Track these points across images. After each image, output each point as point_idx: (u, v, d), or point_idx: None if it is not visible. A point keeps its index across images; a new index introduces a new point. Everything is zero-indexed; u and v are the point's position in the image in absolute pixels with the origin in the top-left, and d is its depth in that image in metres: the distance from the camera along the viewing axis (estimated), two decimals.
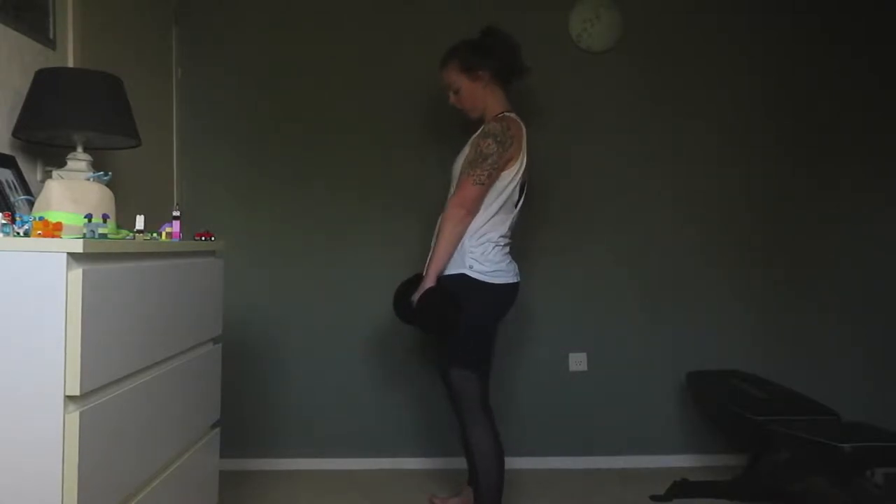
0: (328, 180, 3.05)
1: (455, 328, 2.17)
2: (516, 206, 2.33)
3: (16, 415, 1.20)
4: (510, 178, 2.24)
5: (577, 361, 3.08)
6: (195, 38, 3.03)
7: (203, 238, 1.92)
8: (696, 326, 3.10)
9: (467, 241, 2.22)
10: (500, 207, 2.25)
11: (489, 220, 2.24)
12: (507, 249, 2.32)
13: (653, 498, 2.70)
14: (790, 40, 3.13)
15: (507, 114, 2.31)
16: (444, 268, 2.21)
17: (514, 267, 2.31)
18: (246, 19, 3.04)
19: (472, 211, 2.19)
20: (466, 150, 2.29)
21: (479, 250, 2.22)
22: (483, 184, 2.17)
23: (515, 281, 2.28)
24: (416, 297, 2.21)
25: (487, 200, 2.23)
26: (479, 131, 2.26)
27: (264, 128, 3.04)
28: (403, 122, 3.06)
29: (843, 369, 3.12)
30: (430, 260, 2.22)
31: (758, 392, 2.75)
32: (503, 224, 2.28)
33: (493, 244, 2.24)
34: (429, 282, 2.19)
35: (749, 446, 2.81)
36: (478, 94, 2.34)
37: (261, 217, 3.04)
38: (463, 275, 2.20)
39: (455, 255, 2.22)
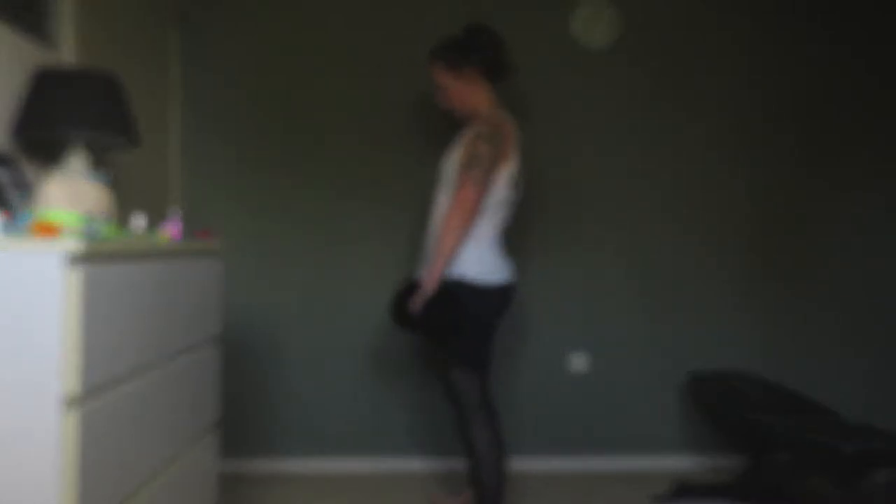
0: (328, 180, 3.05)
1: (461, 331, 2.17)
2: (510, 205, 2.33)
3: (15, 415, 1.19)
4: (502, 178, 2.23)
5: (578, 361, 3.08)
6: (195, 38, 3.03)
7: (203, 238, 1.92)
8: (696, 326, 3.10)
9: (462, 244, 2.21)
10: (494, 207, 2.25)
11: (484, 220, 2.24)
12: (500, 248, 2.32)
13: (653, 498, 2.70)
14: (790, 40, 3.14)
15: (497, 111, 2.30)
16: (441, 273, 2.16)
17: (508, 265, 2.30)
18: (246, 19, 3.04)
19: (473, 213, 2.17)
20: (457, 151, 2.27)
21: (476, 252, 2.22)
22: (481, 184, 2.15)
23: (512, 281, 2.28)
24: (415, 303, 2.18)
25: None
26: (470, 132, 2.24)
27: (265, 127, 3.04)
28: (405, 122, 3.06)
29: (843, 369, 3.12)
30: (430, 264, 2.18)
31: (758, 392, 2.74)
32: (497, 224, 2.28)
33: (488, 243, 2.24)
34: (429, 287, 2.16)
35: (749, 447, 2.81)
36: (464, 93, 2.33)
37: (261, 217, 3.04)
38: (460, 277, 2.19)
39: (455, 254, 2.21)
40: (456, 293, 2.18)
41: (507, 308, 2.31)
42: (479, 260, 2.21)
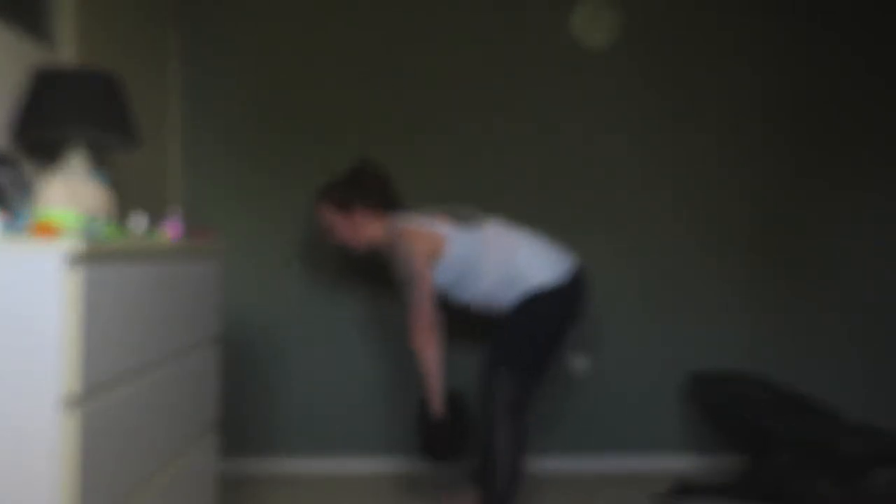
0: (328, 180, 3.05)
1: (461, 450, 2.32)
2: (480, 225, 2.39)
3: (14, 416, 1.19)
4: (451, 249, 2.30)
5: (578, 361, 3.08)
6: (196, 37, 3.03)
7: (203, 238, 1.92)
8: (696, 326, 3.10)
9: (508, 266, 2.28)
10: (476, 245, 2.31)
11: (488, 252, 2.30)
12: (538, 241, 2.36)
13: (653, 498, 2.69)
14: (791, 40, 3.14)
15: (396, 229, 2.36)
16: (441, 390, 2.35)
17: (563, 254, 2.36)
18: (247, 19, 3.04)
19: (434, 323, 2.30)
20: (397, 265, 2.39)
21: (524, 261, 2.28)
22: (425, 296, 2.28)
23: (579, 267, 2.35)
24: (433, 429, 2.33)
25: (470, 263, 2.30)
26: (393, 261, 2.37)
27: (265, 127, 3.04)
28: (404, 122, 3.06)
29: (843, 369, 3.12)
30: (427, 390, 2.33)
31: (758, 392, 2.74)
32: (507, 230, 2.32)
33: (528, 242, 2.31)
34: (437, 409, 2.31)
35: (750, 447, 2.81)
36: (355, 230, 2.44)
37: (261, 217, 3.04)
38: (527, 291, 2.26)
39: (510, 287, 2.28)
40: (460, 406, 2.35)
41: (582, 302, 2.35)
42: (534, 260, 2.28)
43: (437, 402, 2.31)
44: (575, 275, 2.31)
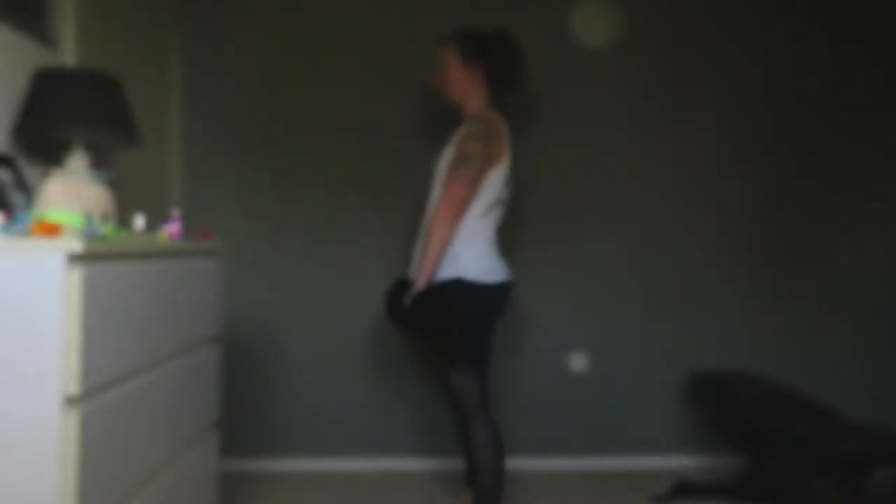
0: (328, 180, 3.05)
1: (448, 330, 2.18)
2: (504, 204, 2.35)
3: (14, 416, 1.19)
4: (497, 177, 2.25)
5: (578, 361, 3.08)
6: (196, 38, 3.03)
7: (203, 238, 1.92)
8: (696, 326, 3.10)
9: (458, 244, 2.23)
10: (489, 206, 2.26)
11: (480, 219, 2.25)
12: (497, 247, 2.34)
13: (653, 498, 2.70)
14: (791, 40, 3.14)
15: (489, 112, 2.31)
16: (436, 271, 2.21)
17: (504, 265, 2.32)
18: (246, 19, 3.04)
19: (461, 212, 2.20)
20: (450, 150, 2.30)
21: (473, 251, 2.23)
22: (471, 182, 2.18)
23: (509, 279, 2.30)
24: (407, 300, 2.20)
25: (476, 201, 2.24)
26: (463, 130, 2.26)
27: (265, 128, 3.04)
28: (405, 122, 3.06)
29: (843, 369, 3.12)
30: (421, 263, 2.21)
31: (758, 392, 2.74)
32: (492, 223, 2.30)
33: (487, 243, 2.26)
34: (420, 285, 2.18)
35: (749, 447, 2.81)
36: (461, 81, 2.35)
37: (261, 217, 3.04)
38: (458, 277, 2.20)
39: (446, 258, 2.23)
40: (447, 292, 2.19)
41: (506, 306, 2.32)
42: (478, 259, 2.23)
43: (426, 276, 2.18)
44: (503, 283, 2.26)
